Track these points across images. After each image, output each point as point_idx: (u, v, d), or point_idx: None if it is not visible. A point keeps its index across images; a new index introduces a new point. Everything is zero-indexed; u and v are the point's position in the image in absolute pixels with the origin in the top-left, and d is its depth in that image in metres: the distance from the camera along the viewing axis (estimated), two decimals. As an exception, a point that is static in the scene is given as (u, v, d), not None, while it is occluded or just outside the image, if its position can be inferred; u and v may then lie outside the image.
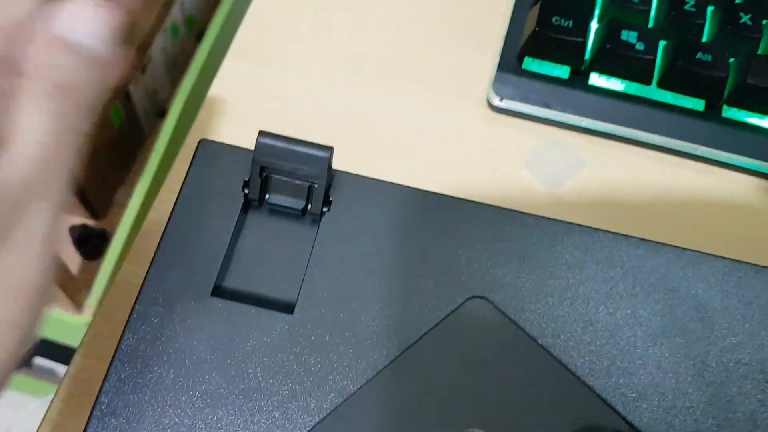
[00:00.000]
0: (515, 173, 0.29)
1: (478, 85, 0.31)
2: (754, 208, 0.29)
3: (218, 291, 0.23)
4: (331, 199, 0.24)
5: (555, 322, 0.22)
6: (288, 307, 0.22)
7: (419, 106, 0.30)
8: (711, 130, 0.29)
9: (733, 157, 0.29)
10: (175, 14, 0.49)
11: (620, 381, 0.22)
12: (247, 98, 0.30)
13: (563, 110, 0.29)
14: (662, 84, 0.29)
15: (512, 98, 0.30)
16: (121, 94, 0.44)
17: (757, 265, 0.24)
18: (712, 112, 0.29)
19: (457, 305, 0.22)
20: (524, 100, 0.30)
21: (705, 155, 0.29)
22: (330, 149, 0.23)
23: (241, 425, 0.20)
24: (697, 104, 0.29)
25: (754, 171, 0.29)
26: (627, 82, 0.29)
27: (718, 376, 0.22)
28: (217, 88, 0.30)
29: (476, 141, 0.30)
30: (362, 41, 0.32)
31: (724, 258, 0.24)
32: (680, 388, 0.22)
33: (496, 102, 0.30)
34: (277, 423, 0.20)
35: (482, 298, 0.23)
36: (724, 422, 0.21)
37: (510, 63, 0.30)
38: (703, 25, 0.29)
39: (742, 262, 0.24)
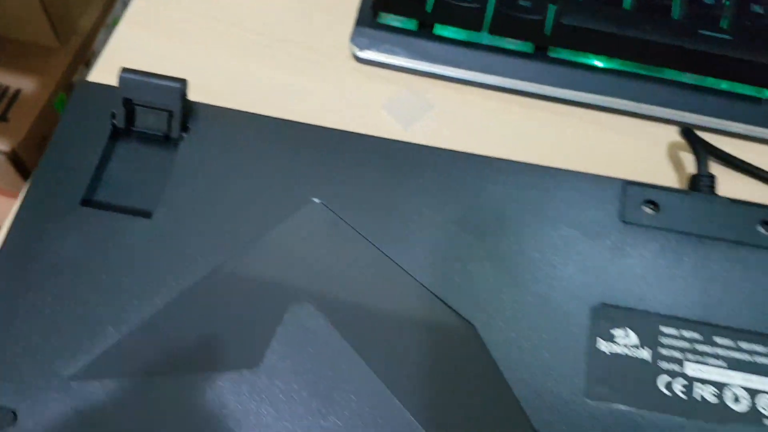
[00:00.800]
0: (375, 114, 0.33)
1: (344, 41, 0.35)
2: (581, 135, 0.33)
3: (87, 202, 0.26)
4: (188, 125, 0.28)
5: (387, 225, 0.26)
6: (147, 214, 0.26)
7: (293, 65, 0.34)
8: (540, 69, 0.33)
9: (560, 92, 0.33)
10: (117, 10, 0.53)
11: (440, 272, 0.25)
12: (139, 65, 0.34)
13: (414, 58, 0.34)
14: (492, 30, 0.33)
15: (370, 49, 0.34)
16: (66, 86, 0.48)
17: (552, 168, 0.27)
18: (539, 53, 0.33)
19: (287, 216, 0.26)
20: (380, 50, 0.34)
21: (537, 92, 0.33)
22: (183, 81, 0.27)
23: (91, 310, 0.24)
24: (527, 47, 0.33)
25: (580, 103, 0.33)
26: (464, 30, 0.33)
27: (514, 262, 0.26)
28: (111, 53, 0.34)
29: (342, 89, 0.34)
30: (241, 10, 0.36)
31: (530, 164, 0.28)
32: (485, 273, 0.25)
33: (358, 53, 0.34)
34: (118, 308, 0.24)
35: (319, 203, 0.26)
36: (524, 297, 0.25)
37: (366, 18, 0.34)
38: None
39: (544, 166, 0.28)
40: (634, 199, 0.27)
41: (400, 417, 0.23)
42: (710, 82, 0.33)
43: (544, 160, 0.29)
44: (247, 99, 0.33)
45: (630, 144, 0.32)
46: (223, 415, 0.23)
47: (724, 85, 0.32)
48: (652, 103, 0.32)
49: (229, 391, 0.23)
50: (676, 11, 0.33)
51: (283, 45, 0.35)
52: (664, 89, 0.33)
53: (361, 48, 0.34)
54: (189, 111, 0.28)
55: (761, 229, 0.26)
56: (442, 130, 0.33)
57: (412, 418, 0.23)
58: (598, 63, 0.33)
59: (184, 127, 0.28)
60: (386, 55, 0.34)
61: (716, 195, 0.28)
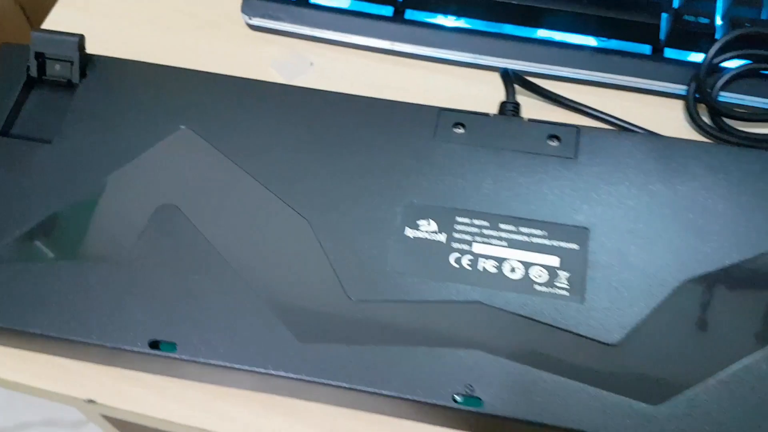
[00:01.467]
0: (263, 72, 0.39)
1: (236, 11, 0.41)
2: (428, 83, 0.38)
3: (3, 134, 0.33)
4: (87, 72, 0.34)
5: (253, 150, 0.32)
6: (48, 141, 0.32)
7: (191, 33, 0.40)
8: (397, 29, 0.39)
9: (413, 48, 0.39)
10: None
11: (286, 181, 0.31)
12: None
13: (295, 23, 0.39)
14: (355, -4, 0.39)
15: (258, 16, 0.40)
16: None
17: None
18: (398, 16, 0.39)
19: (160, 139, 0.32)
20: (266, 17, 0.40)
21: (395, 49, 0.39)
22: (81, 36, 0.33)
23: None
24: (387, 10, 0.39)
25: (430, 57, 0.39)
26: (332, -3, 0.39)
27: (348, 173, 0.31)
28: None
29: (234, 51, 0.40)
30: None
31: (367, 97, 0.33)
32: (322, 182, 0.31)
33: (248, 21, 0.40)
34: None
35: (186, 128, 0.32)
36: (350, 199, 0.31)
37: (253, -10, 0.40)
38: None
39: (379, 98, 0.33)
40: (446, 122, 0.32)
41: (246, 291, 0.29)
42: (541, 34, 0.38)
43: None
44: (154, 59, 0.39)
45: (465, 88, 0.38)
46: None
47: (558, 36, 0.38)
48: (487, 54, 0.38)
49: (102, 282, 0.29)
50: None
51: (183, 16, 0.41)
52: (500, 42, 0.38)
53: (251, 16, 0.40)
54: (87, 61, 0.34)
55: (549, 142, 0.32)
56: (320, 83, 0.39)
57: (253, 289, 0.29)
58: (447, 22, 0.39)
59: (83, 74, 0.34)
60: (272, 21, 0.40)
61: (517, 117, 0.33)
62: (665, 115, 0.37)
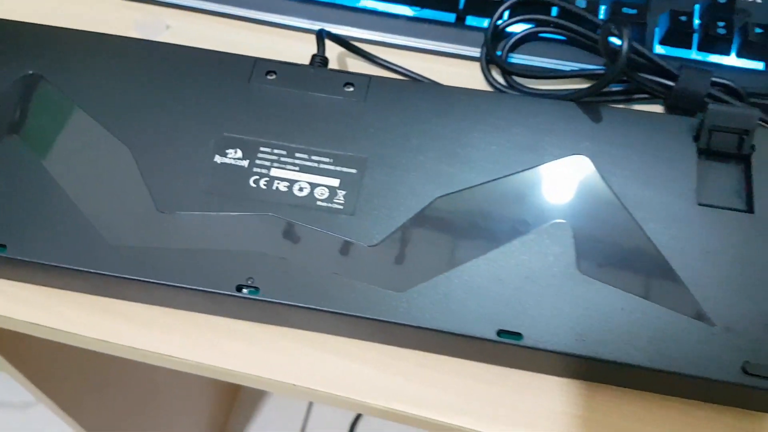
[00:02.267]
0: (128, 32, 0.44)
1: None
2: (272, 46, 0.44)
3: None
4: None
5: (90, 90, 0.37)
6: None
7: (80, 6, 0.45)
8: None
9: (258, 14, 0.44)
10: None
11: (124, 121, 0.36)
12: None
13: (154, -8, 0.45)
14: (204, -32, 0.44)
15: (122, -13, 0.45)
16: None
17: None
18: (242, -13, 0.44)
19: (10, 82, 0.37)
20: (130, -13, 0.45)
21: (242, 15, 0.44)
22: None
23: None
24: (233, -18, 0.44)
25: (272, 23, 0.44)
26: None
27: (169, 107, 0.36)
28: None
29: (103, 16, 0.45)
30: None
31: (197, 48, 0.38)
32: (149, 117, 0.36)
33: (114, -9, 0.45)
34: None
35: (36, 73, 0.37)
36: (172, 132, 0.36)
37: (118, -36, 0.45)
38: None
39: (204, 49, 0.39)
40: (260, 69, 0.38)
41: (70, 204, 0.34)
42: (365, 4, 0.44)
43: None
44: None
45: (296, 47, 0.43)
46: None
47: (380, 6, 0.43)
48: (321, 21, 0.43)
49: None
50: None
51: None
52: (329, 10, 0.44)
53: (116, -14, 0.45)
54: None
55: (345, 88, 0.37)
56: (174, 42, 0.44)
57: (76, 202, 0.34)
58: (285, -7, 0.44)
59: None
60: (135, -9, 0.45)
61: (322, 67, 0.39)
62: (468, 75, 0.43)
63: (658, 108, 0.41)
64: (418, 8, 0.43)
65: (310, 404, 1.13)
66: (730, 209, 0.33)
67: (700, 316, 0.31)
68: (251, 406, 1.13)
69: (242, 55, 0.39)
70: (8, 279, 0.35)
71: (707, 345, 0.30)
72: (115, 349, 0.35)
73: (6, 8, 0.44)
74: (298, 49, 0.43)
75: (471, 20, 0.43)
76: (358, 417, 1.11)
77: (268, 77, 0.38)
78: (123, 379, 0.74)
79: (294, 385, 0.33)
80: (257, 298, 0.32)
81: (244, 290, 0.32)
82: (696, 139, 0.35)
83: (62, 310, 0.35)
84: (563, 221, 0.33)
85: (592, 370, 0.31)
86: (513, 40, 0.42)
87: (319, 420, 1.12)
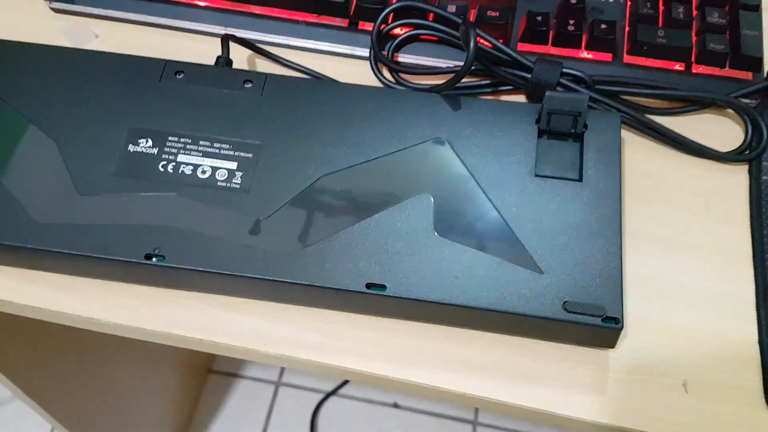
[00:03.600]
0: (59, 41, 0.49)
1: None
2: (187, 49, 0.48)
3: None
4: None
5: (23, 91, 0.41)
6: None
7: (8, 12, 0.50)
8: (161, 7, 0.49)
9: (175, 22, 0.49)
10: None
11: (50, 117, 0.41)
12: None
13: (84, 5, 0.49)
14: (126, -18, 0.49)
15: (57, 1, 0.49)
16: None
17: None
18: (161, -2, 0.49)
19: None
20: (63, 1, 0.49)
21: (160, 23, 0.49)
22: None
23: None
24: (153, -6, 0.49)
25: (186, 29, 0.49)
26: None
27: (105, 105, 0.41)
28: None
29: (39, 27, 0.49)
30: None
31: (123, 54, 0.43)
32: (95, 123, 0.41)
33: (50, 5, 0.50)
34: None
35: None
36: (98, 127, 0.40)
37: (49, -20, 0.50)
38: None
39: (133, 56, 0.43)
40: (170, 70, 0.43)
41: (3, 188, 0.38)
42: (271, 13, 0.49)
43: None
44: None
45: (206, 50, 0.48)
46: None
47: (284, 15, 0.48)
48: (232, 27, 0.48)
49: None
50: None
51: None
52: (239, 17, 0.49)
53: (51, 1, 0.49)
54: None
55: (245, 84, 0.43)
56: (101, 49, 0.48)
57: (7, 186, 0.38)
58: (200, 2, 0.49)
59: None
60: (67, 4, 0.49)
61: (226, 67, 0.44)
62: (361, 72, 0.48)
63: (521, 98, 0.46)
64: (315, 15, 0.48)
65: (276, 393, 1.18)
66: (563, 179, 0.39)
67: (531, 266, 0.36)
68: (217, 396, 1.17)
69: (155, 58, 0.43)
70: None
71: (537, 290, 0.36)
72: (44, 315, 0.39)
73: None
74: (208, 51, 0.48)
75: (362, 25, 0.48)
76: (319, 405, 1.16)
77: (177, 76, 0.43)
78: (91, 370, 0.77)
79: (199, 339, 0.38)
80: (163, 264, 0.37)
81: (154, 259, 0.37)
82: (537, 121, 0.41)
83: (-2, 283, 0.39)
84: (426, 194, 0.38)
85: (446, 313, 0.37)
86: (397, 41, 0.47)
87: (282, 408, 1.17)
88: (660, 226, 0.41)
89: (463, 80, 0.46)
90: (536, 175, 0.39)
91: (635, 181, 0.42)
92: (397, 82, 0.47)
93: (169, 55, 0.47)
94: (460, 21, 0.43)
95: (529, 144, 0.40)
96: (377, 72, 0.47)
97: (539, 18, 0.46)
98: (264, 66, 0.48)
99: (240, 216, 0.38)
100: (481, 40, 0.44)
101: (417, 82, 0.47)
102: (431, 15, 0.47)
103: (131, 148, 0.40)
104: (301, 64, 0.47)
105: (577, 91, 0.44)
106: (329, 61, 0.48)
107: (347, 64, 0.48)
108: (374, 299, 0.36)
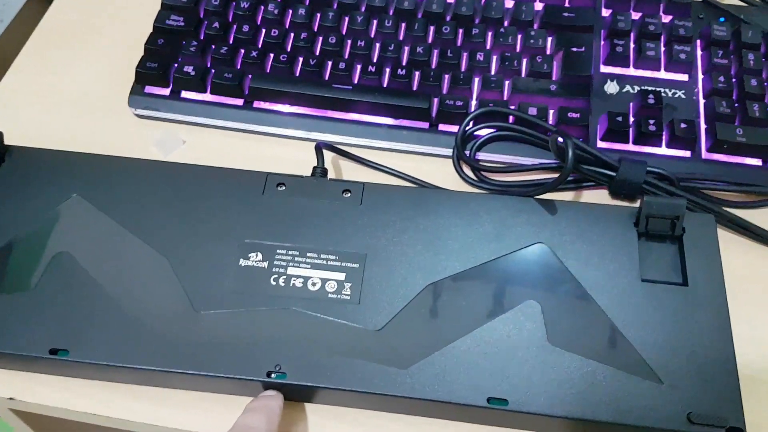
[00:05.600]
0: (148, 149, 0.49)
1: (125, 106, 0.51)
2: (277, 155, 0.49)
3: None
4: (6, 158, 0.44)
5: (128, 209, 0.42)
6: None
7: (92, 124, 0.50)
8: (248, 114, 0.50)
9: (262, 128, 0.49)
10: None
11: (160, 234, 0.41)
12: None
13: (170, 112, 0.50)
14: (213, 92, 0.50)
15: (141, 108, 0.50)
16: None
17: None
18: (247, 104, 0.50)
19: (58, 204, 0.42)
20: (148, 108, 0.50)
21: (246, 128, 0.50)
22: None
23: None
24: (239, 101, 0.50)
25: (272, 134, 0.50)
26: (196, 92, 0.50)
27: (198, 222, 0.41)
28: None
29: (124, 135, 0.50)
30: (61, 88, 0.52)
31: (215, 167, 0.44)
32: (182, 231, 0.41)
33: (134, 111, 0.50)
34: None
35: (79, 196, 0.42)
36: (196, 244, 0.41)
37: (137, 89, 0.50)
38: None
39: (221, 168, 0.44)
40: (272, 182, 0.43)
41: (120, 309, 0.38)
42: (352, 116, 0.49)
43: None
44: (64, 145, 0.48)
45: (298, 155, 0.49)
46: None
47: (365, 118, 0.49)
48: (315, 131, 0.49)
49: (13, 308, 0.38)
50: (325, 73, 0.50)
51: (82, 110, 0.51)
52: (323, 122, 0.49)
53: (135, 108, 0.50)
54: (5, 150, 0.44)
55: (344, 195, 0.43)
56: (191, 156, 0.49)
57: (124, 308, 0.38)
58: (284, 109, 0.50)
59: (2, 160, 0.43)
60: (152, 111, 0.50)
61: (323, 177, 0.44)
62: (444, 171, 0.49)
63: (603, 192, 0.47)
64: (395, 119, 0.49)
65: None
66: (668, 283, 0.39)
67: (649, 376, 0.36)
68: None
69: (256, 171, 0.44)
70: (72, 377, 0.39)
71: (658, 400, 0.35)
72: (162, 432, 0.39)
73: (36, 134, 0.49)
74: (297, 155, 0.49)
75: (442, 126, 0.49)
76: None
77: (279, 188, 0.43)
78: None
79: (318, 453, 0.38)
80: (285, 382, 0.37)
81: (273, 375, 0.37)
82: (636, 224, 0.41)
83: (116, 401, 0.39)
84: (533, 301, 0.39)
85: (565, 427, 0.36)
86: (479, 141, 0.48)
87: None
88: (759, 326, 0.41)
89: (546, 177, 0.47)
90: (642, 280, 0.39)
91: (729, 279, 0.42)
92: (480, 180, 0.47)
93: (256, 161, 0.48)
94: (553, 129, 0.44)
95: (630, 248, 0.40)
96: (460, 171, 0.48)
97: (620, 118, 0.47)
98: (351, 168, 0.49)
99: (354, 329, 0.38)
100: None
101: (498, 179, 0.47)
102: (511, 117, 0.48)
103: (242, 262, 0.40)
104: (394, 168, 0.48)
105: (663, 188, 0.44)
106: (410, 161, 0.49)
107: (428, 163, 0.49)
108: (495, 413, 0.36)
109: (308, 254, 0.41)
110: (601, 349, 0.37)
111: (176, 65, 0.50)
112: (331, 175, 0.47)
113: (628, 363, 0.37)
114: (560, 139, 0.42)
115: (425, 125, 0.49)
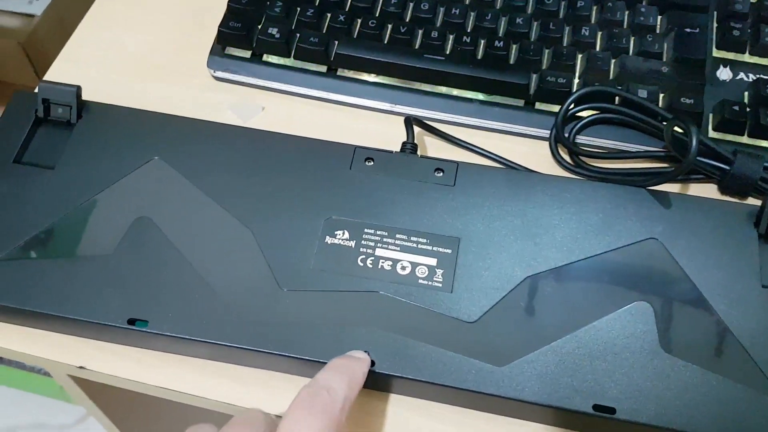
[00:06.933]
0: (223, 114, 0.47)
1: (203, 67, 0.48)
2: (354, 125, 0.46)
3: (17, 161, 0.40)
4: (83, 114, 0.41)
5: (210, 176, 0.39)
6: (52, 167, 0.39)
7: (170, 84, 0.48)
8: (330, 83, 0.47)
9: (344, 98, 0.46)
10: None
11: (244, 204, 0.38)
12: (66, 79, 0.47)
13: (249, 76, 0.47)
14: (296, 57, 0.47)
15: (220, 70, 0.47)
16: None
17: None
18: (330, 72, 0.47)
19: (138, 167, 0.39)
20: (227, 71, 0.47)
21: (329, 98, 0.47)
22: (76, 86, 0.40)
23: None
24: (322, 68, 0.47)
25: (356, 105, 0.47)
26: (279, 56, 0.47)
27: (281, 194, 0.39)
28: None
29: (201, 97, 0.47)
30: (135, 48, 0.49)
31: (302, 137, 0.41)
32: (265, 204, 0.39)
33: (213, 74, 0.48)
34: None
35: (160, 159, 0.40)
36: (284, 216, 0.38)
37: (216, 50, 0.48)
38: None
39: (312, 138, 0.41)
40: (360, 157, 0.40)
41: (202, 283, 0.36)
42: (440, 90, 0.46)
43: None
44: (136, 104, 0.46)
45: (383, 129, 0.46)
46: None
47: (454, 92, 0.46)
48: (400, 104, 0.46)
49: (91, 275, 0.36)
50: (415, 42, 0.46)
51: (160, 70, 0.48)
52: (410, 95, 0.46)
53: (215, 70, 0.48)
54: (82, 106, 0.41)
55: (436, 174, 0.40)
56: (269, 124, 0.46)
57: (207, 282, 0.36)
58: (369, 78, 0.47)
59: (80, 115, 0.41)
60: (231, 74, 0.47)
61: (413, 154, 0.41)
62: (537, 153, 0.45)
63: (711, 187, 0.43)
64: (488, 94, 0.46)
65: None
66: (792, 292, 0.35)
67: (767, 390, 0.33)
68: None
69: (343, 144, 0.41)
70: (144, 348, 0.37)
71: (779, 418, 0.32)
72: (235, 411, 0.37)
73: (117, 91, 0.47)
74: (381, 128, 0.45)
75: (540, 105, 0.45)
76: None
77: (367, 164, 0.40)
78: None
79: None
80: (373, 370, 0.34)
81: (360, 362, 0.34)
82: (756, 224, 0.37)
83: (188, 375, 0.37)
84: (644, 302, 0.35)
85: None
86: (581, 124, 0.44)
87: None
88: None
89: (653, 166, 0.43)
90: (763, 286, 0.35)
91: None
92: (577, 165, 0.44)
93: (339, 132, 0.45)
94: (669, 116, 0.40)
95: (750, 251, 0.36)
96: (557, 154, 0.44)
97: (736, 108, 0.43)
98: (438, 146, 0.45)
99: (446, 319, 0.35)
100: (678, 128, 0.41)
101: (598, 165, 0.44)
102: (617, 98, 0.44)
103: (328, 240, 0.38)
104: (487, 149, 0.44)
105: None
106: (502, 140, 0.46)
107: (521, 145, 0.45)
108: (599, 422, 0.33)
109: (398, 236, 0.38)
110: (718, 360, 0.34)
111: (260, 27, 0.47)
112: (420, 152, 0.44)
113: (745, 376, 0.33)
114: (677, 128, 0.38)
115: (520, 103, 0.46)
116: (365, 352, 0.34)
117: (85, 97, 0.43)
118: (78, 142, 0.40)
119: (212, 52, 0.48)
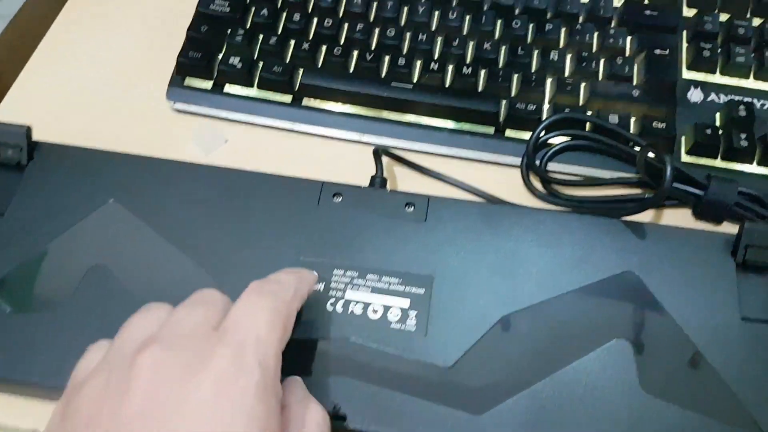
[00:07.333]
0: (186, 147, 0.45)
1: (162, 99, 0.46)
2: (329, 159, 0.44)
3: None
4: (34, 156, 0.39)
5: (169, 218, 0.37)
6: (1, 213, 0.37)
7: (126, 119, 0.46)
8: (294, 112, 0.45)
9: (306, 127, 0.45)
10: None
11: (206, 248, 0.37)
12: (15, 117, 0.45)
13: (211, 107, 0.45)
14: (260, 87, 0.45)
15: (180, 102, 0.45)
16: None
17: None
18: (295, 102, 0.45)
19: (93, 210, 0.37)
20: (187, 102, 0.45)
21: (293, 128, 0.45)
22: (27, 127, 0.38)
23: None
24: (287, 98, 0.45)
25: (324, 136, 0.45)
26: (241, 87, 0.45)
27: (251, 236, 0.37)
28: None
29: (162, 131, 0.45)
30: (91, 82, 0.47)
31: (269, 174, 0.39)
32: (228, 245, 0.37)
33: (173, 106, 0.46)
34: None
35: (116, 202, 0.38)
36: (254, 258, 0.36)
37: (176, 81, 0.46)
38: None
39: (279, 176, 0.39)
40: (327, 192, 0.39)
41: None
42: (409, 118, 0.45)
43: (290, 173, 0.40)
44: (92, 139, 0.44)
45: (351, 160, 0.44)
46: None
47: (423, 120, 0.44)
48: (368, 133, 0.44)
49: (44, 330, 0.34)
50: (382, 70, 0.45)
51: (117, 104, 0.46)
52: (378, 124, 0.45)
53: (174, 102, 0.46)
54: (34, 147, 0.39)
55: (406, 209, 0.38)
56: (233, 156, 0.44)
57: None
58: (335, 108, 0.45)
59: (31, 157, 0.39)
60: (192, 105, 0.46)
61: (383, 188, 0.40)
62: (509, 182, 0.44)
63: (685, 212, 0.42)
64: (457, 122, 0.45)
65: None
66: (771, 323, 0.34)
67: (752, 430, 0.32)
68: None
69: (309, 180, 0.39)
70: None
71: (765, 459, 0.31)
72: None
73: (63, 129, 0.45)
74: (348, 159, 0.44)
75: (510, 132, 0.44)
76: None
77: (335, 200, 0.39)
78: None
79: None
80: (345, 426, 0.32)
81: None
82: (733, 254, 0.36)
83: None
84: (623, 339, 0.34)
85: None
86: (552, 151, 0.43)
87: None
88: None
89: (624, 193, 0.43)
90: (742, 318, 0.35)
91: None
92: (550, 194, 0.43)
93: (304, 163, 0.43)
94: (642, 142, 0.39)
95: (728, 281, 0.36)
96: (529, 183, 0.43)
97: (709, 131, 0.42)
98: (407, 175, 0.44)
99: (421, 366, 0.34)
100: (651, 154, 0.40)
101: (570, 193, 0.43)
102: (588, 125, 0.43)
103: (296, 283, 0.36)
104: (462, 181, 0.43)
105: (755, 212, 0.40)
106: (473, 169, 0.44)
107: (493, 173, 0.44)
108: (583, 468, 0.32)
109: (368, 275, 0.36)
110: (698, 398, 0.33)
111: (221, 56, 0.45)
112: (390, 183, 0.42)
113: (730, 415, 0.32)
114: (651, 154, 0.38)
115: (491, 130, 0.44)
116: (335, 405, 0.33)
117: (37, 133, 0.40)
118: (29, 186, 0.38)
119: (171, 83, 0.46)
